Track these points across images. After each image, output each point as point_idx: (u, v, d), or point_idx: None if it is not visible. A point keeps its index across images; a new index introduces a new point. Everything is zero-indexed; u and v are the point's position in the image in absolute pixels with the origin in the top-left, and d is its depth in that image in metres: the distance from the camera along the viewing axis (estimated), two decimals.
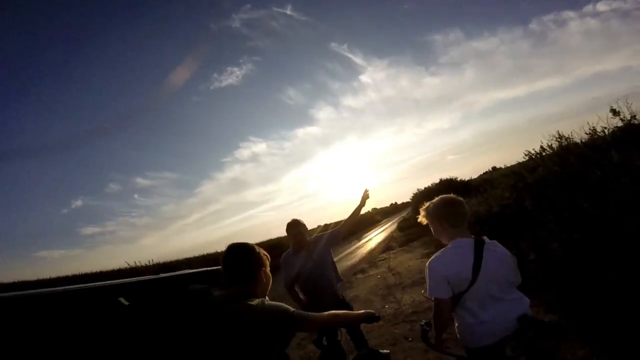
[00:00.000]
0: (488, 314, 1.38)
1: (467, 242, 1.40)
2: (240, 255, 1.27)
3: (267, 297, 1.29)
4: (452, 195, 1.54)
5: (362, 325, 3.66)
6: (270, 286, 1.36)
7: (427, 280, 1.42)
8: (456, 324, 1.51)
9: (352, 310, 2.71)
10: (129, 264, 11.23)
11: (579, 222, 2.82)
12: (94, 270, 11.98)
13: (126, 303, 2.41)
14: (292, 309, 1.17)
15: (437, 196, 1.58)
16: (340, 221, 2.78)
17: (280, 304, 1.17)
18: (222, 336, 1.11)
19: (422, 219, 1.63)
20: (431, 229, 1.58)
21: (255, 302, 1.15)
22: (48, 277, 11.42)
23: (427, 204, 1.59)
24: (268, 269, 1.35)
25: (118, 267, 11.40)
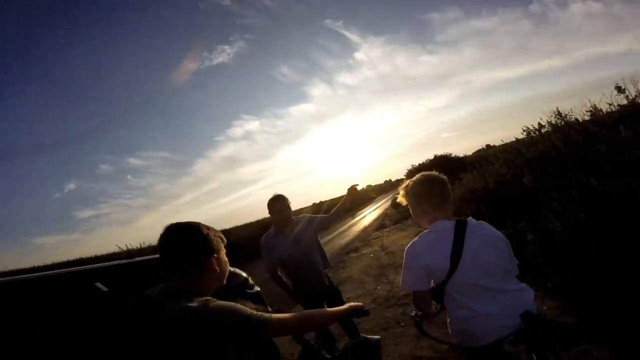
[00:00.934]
0: (485, 307, 1.20)
1: (447, 225, 1.24)
2: (179, 240, 0.97)
3: (212, 297, 0.98)
4: (434, 172, 1.36)
5: None
6: (225, 277, 1.08)
7: (402, 270, 1.28)
8: (448, 320, 1.33)
9: (339, 295, 2.56)
10: (119, 247, 10.85)
11: (586, 201, 2.63)
12: (90, 255, 11.84)
13: (105, 289, 2.24)
14: (248, 312, 0.91)
15: (430, 171, 1.41)
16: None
17: (232, 306, 0.91)
18: (147, 348, 0.86)
19: (401, 199, 1.44)
20: (410, 211, 1.40)
21: (196, 303, 0.88)
22: (43, 263, 11.24)
23: (407, 182, 1.41)
24: (223, 253, 1.07)
25: (112, 251, 10.99)
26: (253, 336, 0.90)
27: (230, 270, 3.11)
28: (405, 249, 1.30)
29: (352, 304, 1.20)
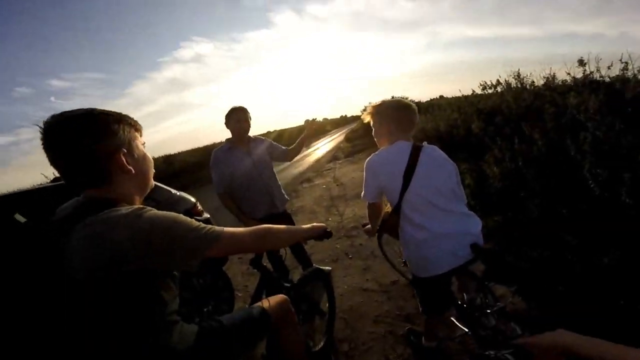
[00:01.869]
0: (437, 226, 1.25)
1: (405, 145, 1.34)
2: (67, 133, 0.69)
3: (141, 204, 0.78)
4: (408, 99, 1.46)
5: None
6: (148, 178, 0.82)
7: (363, 183, 1.39)
8: (403, 247, 1.40)
9: (292, 224, 2.47)
10: (46, 176, 9.33)
11: (525, 151, 2.88)
12: (11, 190, 10.01)
13: (23, 220, 1.89)
14: (194, 223, 0.75)
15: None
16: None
17: (172, 215, 0.73)
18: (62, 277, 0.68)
19: (366, 116, 1.50)
20: (373, 129, 1.48)
21: (123, 211, 0.68)
22: None
23: (379, 102, 1.47)
24: (139, 145, 0.80)
25: (38, 182, 9.50)
26: (200, 252, 0.73)
27: (177, 194, 2.84)
28: (366, 161, 1.37)
29: (315, 224, 1.13)
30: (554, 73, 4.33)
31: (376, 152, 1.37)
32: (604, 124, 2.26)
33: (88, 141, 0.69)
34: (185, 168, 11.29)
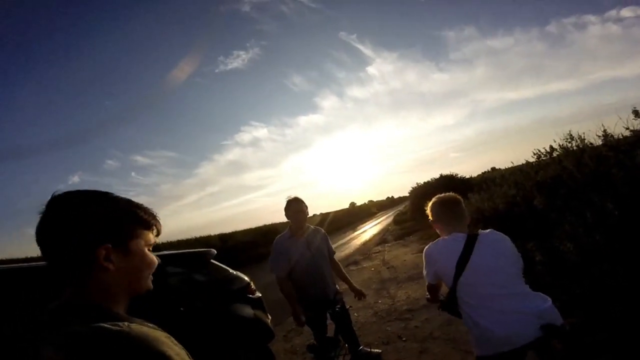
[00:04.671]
0: (496, 305, 1.25)
1: (459, 236, 1.40)
2: (57, 216, 0.56)
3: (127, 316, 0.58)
4: (448, 194, 1.56)
5: (354, 321, 3.44)
6: (141, 281, 0.63)
7: (423, 265, 1.50)
8: (469, 330, 1.35)
9: (338, 306, 2.39)
10: None
11: (600, 223, 2.57)
12: None
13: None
14: None
15: (435, 191, 1.62)
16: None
17: (154, 339, 0.50)
18: None
19: (428, 212, 1.63)
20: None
21: (86, 329, 0.48)
22: (37, 254, 10.88)
23: (433, 200, 1.60)
24: (139, 242, 0.62)
25: None
26: None
27: (234, 273, 2.99)
28: (424, 249, 1.48)
29: None
30: (606, 129, 4.06)
31: (434, 242, 1.48)
32: None
33: (73, 227, 0.56)
34: (238, 246, 11.77)
